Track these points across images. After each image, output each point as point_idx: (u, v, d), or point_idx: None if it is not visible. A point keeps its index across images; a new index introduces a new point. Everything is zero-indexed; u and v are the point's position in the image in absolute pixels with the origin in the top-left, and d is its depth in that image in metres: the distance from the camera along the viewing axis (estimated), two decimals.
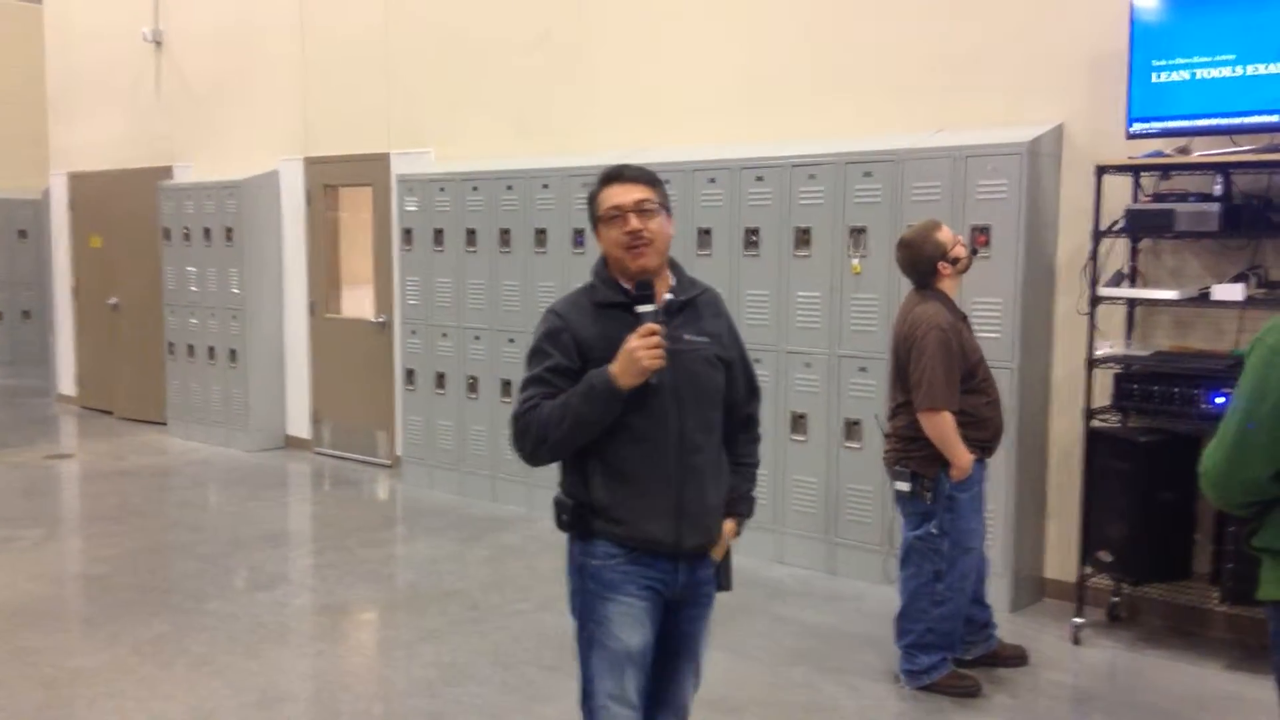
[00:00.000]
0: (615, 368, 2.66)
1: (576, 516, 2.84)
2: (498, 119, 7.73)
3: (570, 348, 2.78)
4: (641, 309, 2.71)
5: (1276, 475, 2.34)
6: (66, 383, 11.74)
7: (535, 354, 2.82)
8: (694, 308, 2.86)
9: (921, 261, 4.35)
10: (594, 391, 2.68)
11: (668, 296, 2.82)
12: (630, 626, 2.82)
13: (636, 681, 2.84)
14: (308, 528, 7.36)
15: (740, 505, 2.96)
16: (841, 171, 5.70)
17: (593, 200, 2.85)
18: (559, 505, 2.88)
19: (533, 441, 2.76)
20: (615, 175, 2.82)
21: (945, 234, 4.36)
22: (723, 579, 2.96)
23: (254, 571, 6.04)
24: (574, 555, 2.88)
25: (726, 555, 2.95)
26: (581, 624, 2.89)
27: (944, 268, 4.34)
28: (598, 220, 2.83)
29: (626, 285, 2.79)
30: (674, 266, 2.89)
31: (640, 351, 2.64)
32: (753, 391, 3.02)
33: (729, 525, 2.92)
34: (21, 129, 12.78)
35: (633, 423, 2.73)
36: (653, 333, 2.65)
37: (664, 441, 2.76)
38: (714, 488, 2.87)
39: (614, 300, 2.80)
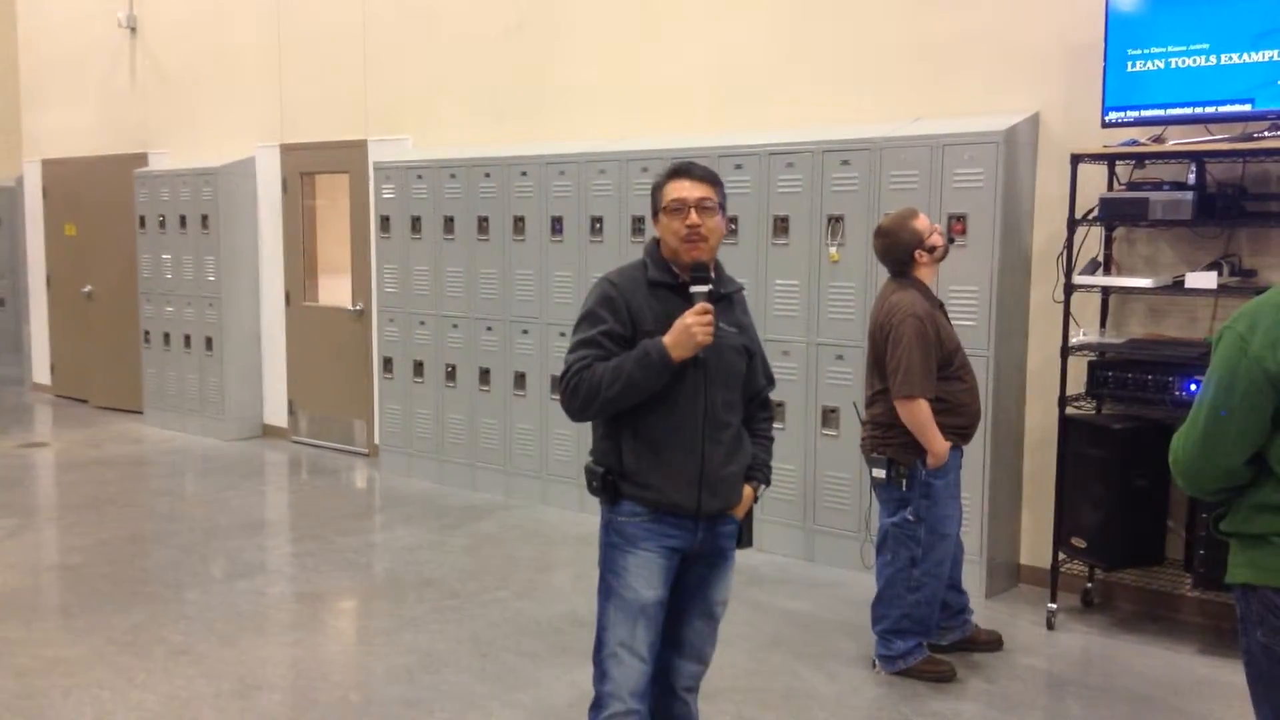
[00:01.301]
0: (669, 339, 2.91)
1: (605, 482, 3.05)
2: (476, 106, 7.71)
3: (625, 315, 3.00)
4: (695, 289, 2.97)
5: (1248, 461, 2.36)
6: (41, 371, 11.66)
7: (589, 317, 3.03)
8: (729, 301, 3.14)
9: (898, 249, 4.37)
10: (649, 359, 2.91)
11: (708, 287, 3.04)
12: (645, 580, 3.04)
13: (648, 635, 3.06)
14: (285, 516, 7.34)
15: (760, 471, 3.22)
16: (819, 160, 5.72)
17: (658, 190, 3.07)
18: (590, 473, 3.09)
19: (583, 399, 2.97)
20: (684, 171, 3.05)
21: (922, 222, 4.38)
22: (744, 537, 3.22)
23: (231, 560, 6.02)
24: (603, 515, 3.12)
25: (748, 515, 3.21)
26: (602, 575, 3.11)
27: (920, 256, 4.36)
28: (660, 209, 3.05)
29: (676, 270, 3.04)
30: (716, 263, 3.14)
31: (696, 327, 2.90)
32: (769, 379, 3.33)
33: (748, 489, 3.17)
34: None
35: (666, 395, 2.98)
36: (707, 311, 2.92)
37: (693, 415, 3.01)
38: (736, 459, 3.12)
39: (666, 281, 3.04)
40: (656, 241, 3.10)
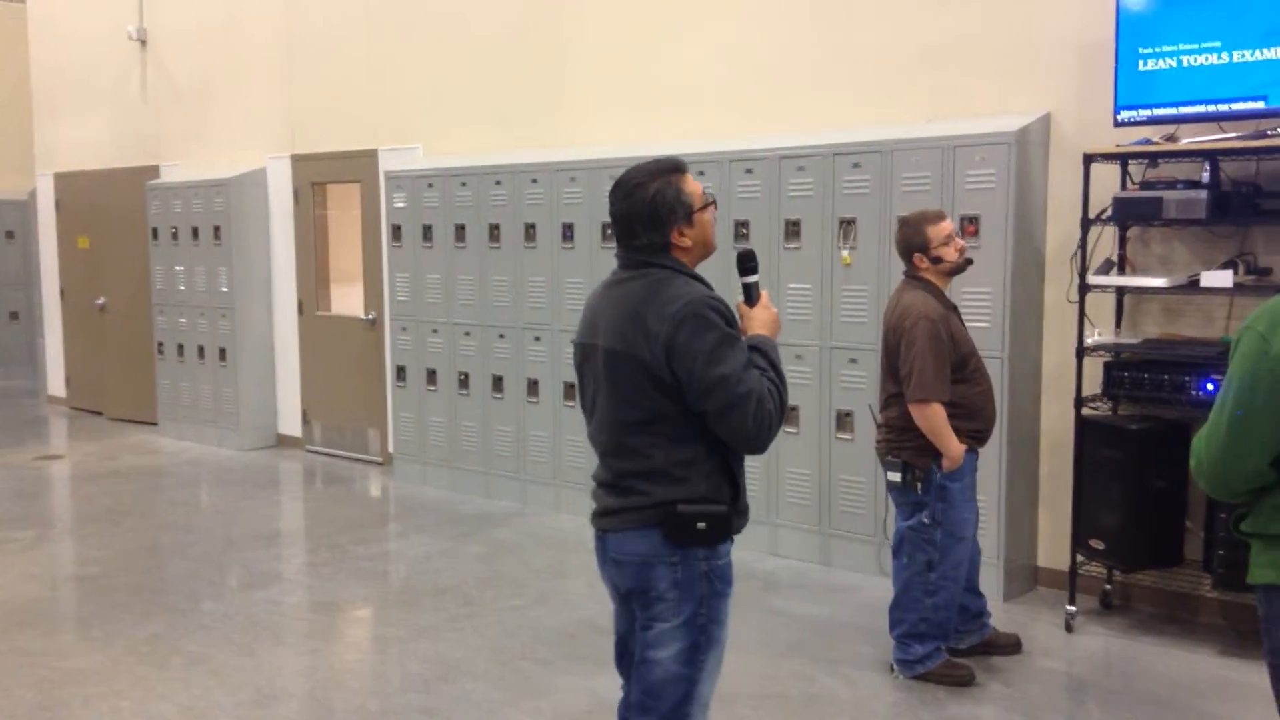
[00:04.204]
0: (770, 332, 2.84)
1: (723, 521, 2.75)
2: (486, 114, 7.72)
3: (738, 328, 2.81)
4: (751, 279, 2.90)
5: (1273, 461, 2.34)
6: (56, 384, 11.69)
7: (728, 341, 2.69)
8: None
9: (904, 246, 4.36)
10: (779, 355, 2.81)
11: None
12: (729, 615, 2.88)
13: None
14: (300, 526, 7.35)
15: None
16: (830, 163, 5.71)
17: (680, 192, 2.77)
18: (690, 516, 2.71)
19: (783, 416, 2.74)
20: (685, 166, 2.85)
21: (940, 230, 4.28)
22: None
23: (248, 570, 6.03)
24: (692, 565, 2.75)
25: None
26: (702, 630, 2.79)
27: (920, 260, 4.31)
28: (694, 210, 2.78)
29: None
30: None
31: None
32: None
33: None
34: (7, 129, 12.74)
35: None
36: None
37: None
38: None
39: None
40: (664, 250, 2.77)
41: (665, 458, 2.71)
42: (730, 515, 2.76)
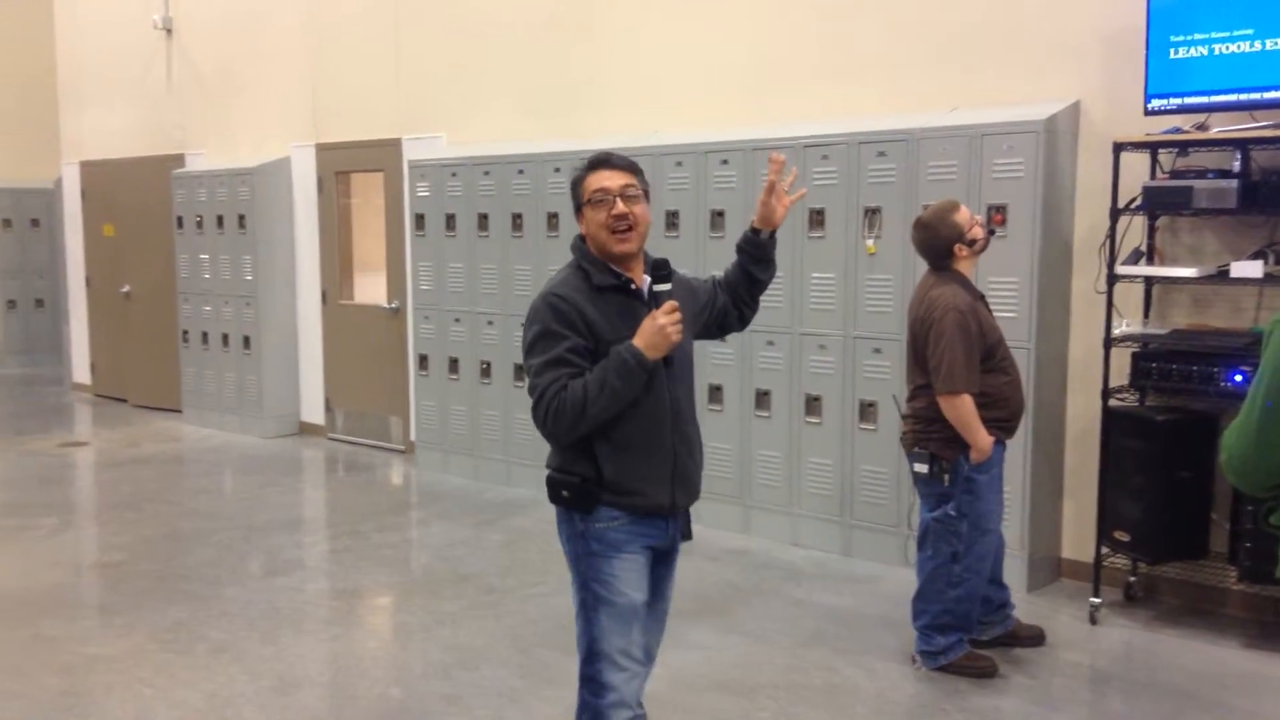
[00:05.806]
0: (642, 342, 2.83)
1: (582, 492, 2.94)
2: (509, 102, 7.70)
3: (583, 328, 2.88)
4: (659, 288, 2.90)
5: None
6: (81, 371, 11.78)
7: (546, 336, 2.89)
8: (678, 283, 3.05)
9: (938, 243, 4.32)
10: (627, 367, 2.81)
11: (646, 279, 2.97)
12: (634, 582, 3.00)
13: (642, 638, 3.04)
14: (323, 513, 7.37)
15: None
16: (855, 152, 5.67)
17: (578, 185, 2.97)
18: (557, 483, 2.99)
19: (569, 422, 2.84)
20: (602, 161, 2.96)
21: (963, 215, 4.32)
22: (685, 530, 3.17)
23: (270, 557, 6.05)
24: (572, 524, 3.01)
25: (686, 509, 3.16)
26: (584, 585, 3.01)
27: (960, 250, 4.30)
28: (582, 204, 2.96)
29: (617, 269, 2.95)
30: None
31: (670, 328, 2.82)
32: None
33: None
34: (34, 119, 12.80)
35: (637, 398, 2.89)
36: (675, 309, 2.85)
37: (661, 412, 2.94)
38: (699, 451, 3.11)
39: (611, 283, 2.94)
40: (583, 241, 2.98)
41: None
42: (589, 489, 2.92)
